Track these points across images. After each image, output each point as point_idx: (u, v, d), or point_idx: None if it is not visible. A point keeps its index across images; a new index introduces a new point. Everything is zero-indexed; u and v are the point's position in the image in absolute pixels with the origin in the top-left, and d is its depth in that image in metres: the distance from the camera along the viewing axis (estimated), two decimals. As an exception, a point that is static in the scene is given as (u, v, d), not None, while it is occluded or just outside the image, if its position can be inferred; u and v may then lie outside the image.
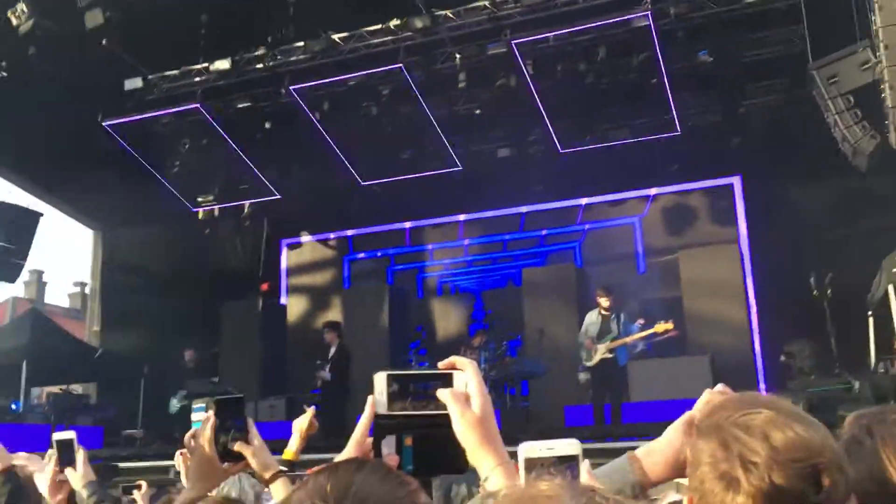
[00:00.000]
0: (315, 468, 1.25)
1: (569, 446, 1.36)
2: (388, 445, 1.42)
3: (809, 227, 12.08)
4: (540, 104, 12.08)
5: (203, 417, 2.07)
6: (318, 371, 11.78)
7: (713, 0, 10.98)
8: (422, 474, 1.34)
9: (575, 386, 11.18)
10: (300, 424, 3.20)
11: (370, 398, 1.44)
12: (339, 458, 1.47)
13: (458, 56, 11.94)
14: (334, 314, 15.18)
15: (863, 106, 9.03)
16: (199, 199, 14.32)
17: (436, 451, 1.41)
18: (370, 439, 1.45)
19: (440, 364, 1.45)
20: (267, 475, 2.04)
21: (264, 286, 15.45)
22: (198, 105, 12.68)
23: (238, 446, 2.01)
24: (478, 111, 13.25)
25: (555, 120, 12.47)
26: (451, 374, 1.43)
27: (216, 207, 14.47)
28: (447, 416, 1.38)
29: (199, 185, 14.26)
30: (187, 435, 2.07)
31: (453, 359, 1.45)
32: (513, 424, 10.73)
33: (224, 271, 15.45)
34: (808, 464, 1.23)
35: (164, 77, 12.86)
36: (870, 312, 10.10)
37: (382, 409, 1.43)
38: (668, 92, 11.74)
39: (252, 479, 3.43)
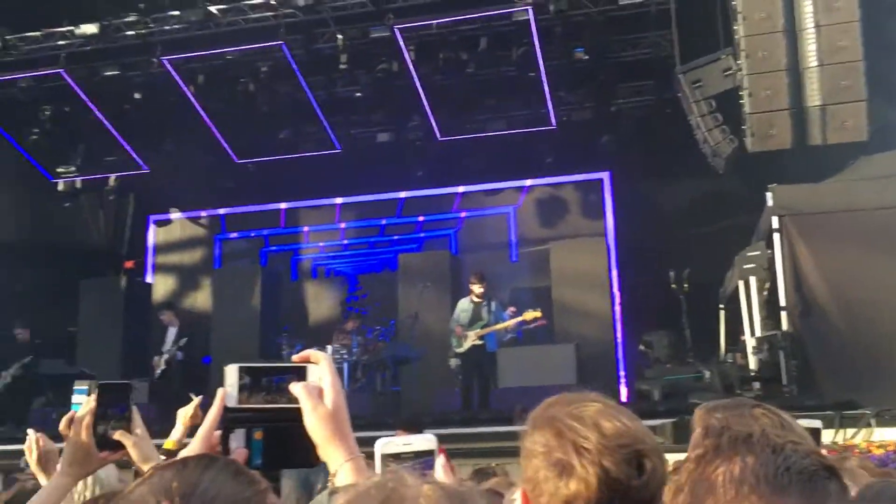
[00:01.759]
0: (160, 463, 1.20)
1: (425, 442, 1.39)
2: (237, 440, 1.39)
3: (671, 223, 12.71)
4: (421, 91, 12.13)
5: (83, 400, 1.97)
6: (155, 358, 11.44)
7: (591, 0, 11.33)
8: (271, 469, 1.33)
9: (445, 371, 11.33)
10: (184, 413, 3.12)
11: (220, 390, 1.41)
12: (185, 452, 1.42)
13: (340, 37, 11.79)
14: (203, 295, 14.74)
15: (723, 111, 9.58)
16: (60, 170, 13.55)
17: (286, 446, 1.40)
18: (218, 433, 1.41)
19: (294, 357, 1.44)
20: (145, 467, 1.97)
21: (129, 263, 14.80)
22: (61, 70, 11.97)
23: (119, 435, 1.93)
24: (358, 94, 13.15)
25: (435, 107, 12.57)
26: (304, 368, 1.41)
27: (78, 179, 13.74)
28: (299, 409, 1.37)
29: (60, 154, 13.49)
30: (64, 418, 1.97)
31: (308, 352, 1.44)
32: (383, 409, 10.78)
33: (85, 246, 14.69)
34: (632, 449, 1.36)
35: (24, 38, 12.04)
36: (721, 306, 10.76)
37: (232, 402, 1.40)
38: (545, 86, 12.05)
39: (117, 471, 3.31)
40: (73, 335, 13.30)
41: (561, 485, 1.36)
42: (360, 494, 0.85)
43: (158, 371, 11.40)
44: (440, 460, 1.35)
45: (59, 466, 2.05)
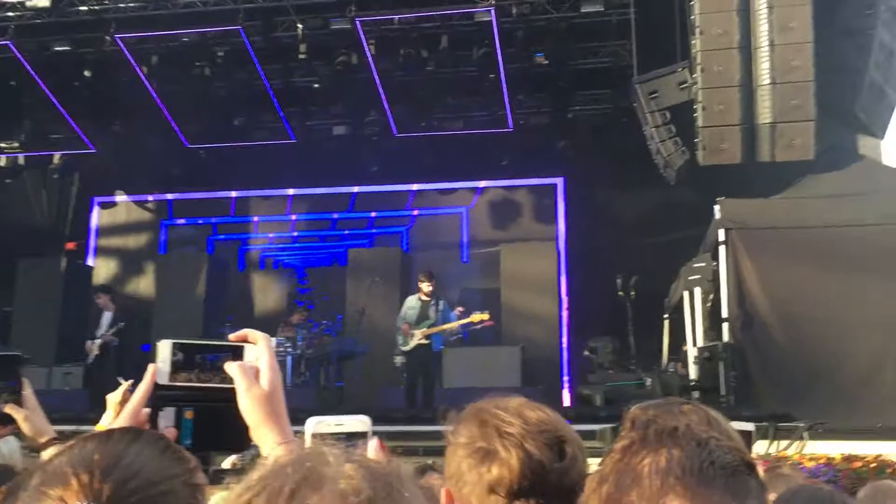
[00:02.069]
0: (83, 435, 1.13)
1: (358, 423, 1.36)
2: (167, 418, 1.33)
3: (621, 231, 12.85)
4: (379, 86, 12.06)
5: None
6: (88, 342, 11.17)
7: (553, 5, 11.38)
8: (200, 450, 1.27)
9: (390, 369, 11.28)
10: (114, 398, 3.01)
11: (150, 366, 1.35)
12: (110, 426, 1.36)
13: (300, 26, 11.65)
14: (146, 280, 14.44)
15: (677, 123, 9.71)
16: (3, 145, 13.15)
17: (217, 427, 1.34)
18: (147, 410, 1.34)
19: (231, 336, 1.38)
20: (41, 440, 1.89)
21: (70, 245, 14.41)
22: (9, 42, 11.59)
23: (9, 408, 1.85)
24: (316, 85, 13.02)
25: (393, 103, 12.51)
26: (241, 347, 1.36)
27: (21, 155, 13.34)
28: (232, 390, 1.31)
29: (3, 129, 13.09)
30: None
31: (245, 331, 1.38)
32: (326, 404, 10.68)
33: (24, 225, 14.26)
34: (554, 435, 1.42)
35: (-30, 6, 11.65)
36: (666, 315, 10.91)
37: (164, 379, 1.34)
38: (504, 89, 12.07)
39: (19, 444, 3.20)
40: (9, 315, 12.91)
41: (483, 471, 1.39)
42: (275, 471, 0.79)
43: (92, 356, 11.11)
44: (373, 442, 1.32)
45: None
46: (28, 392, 1.88)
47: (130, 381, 3.09)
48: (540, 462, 1.38)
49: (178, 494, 1.06)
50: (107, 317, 11.28)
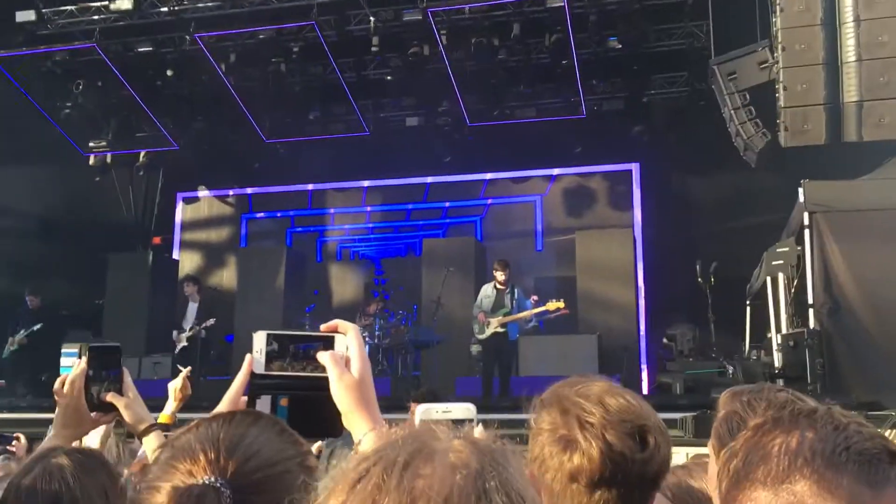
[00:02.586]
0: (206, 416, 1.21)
1: (465, 410, 1.40)
2: (263, 406, 1.38)
3: (699, 216, 12.58)
4: (451, 76, 12.07)
5: (72, 362, 1.98)
6: (174, 333, 11.52)
7: (626, -12, 11.19)
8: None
9: (467, 357, 11.32)
10: (174, 386, 3.09)
11: (248, 356, 1.41)
12: (218, 411, 1.43)
13: (372, 19, 11.76)
14: (229, 273, 14.86)
15: (758, 104, 9.44)
16: (91, 144, 13.68)
17: (311, 414, 1.39)
18: (245, 398, 1.41)
19: (322, 326, 1.43)
20: (140, 428, 1.98)
21: (156, 239, 14.94)
22: (95, 44, 12.05)
23: (110, 397, 1.94)
24: (389, 77, 13.12)
25: (465, 93, 12.51)
26: (332, 337, 1.41)
27: (109, 154, 13.87)
28: (325, 378, 1.36)
29: (91, 129, 13.62)
30: (57, 380, 1.98)
31: (336, 322, 1.43)
32: (403, 393, 10.79)
33: (113, 221, 14.83)
34: (636, 425, 1.40)
35: (59, 12, 12.14)
36: (748, 302, 10.64)
37: (259, 369, 1.40)
38: (577, 75, 11.94)
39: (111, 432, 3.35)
40: (101, 308, 13.47)
41: (565, 459, 1.39)
42: (390, 444, 0.84)
43: (179, 347, 11.48)
44: (479, 429, 1.35)
45: (51, 429, 2.07)
46: (128, 381, 1.97)
47: (189, 368, 3.19)
48: (621, 452, 1.37)
49: (293, 474, 1.14)
50: (192, 308, 11.62)
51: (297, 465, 1.16)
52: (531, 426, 1.47)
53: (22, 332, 11.46)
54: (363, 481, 0.78)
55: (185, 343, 11.42)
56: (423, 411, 1.38)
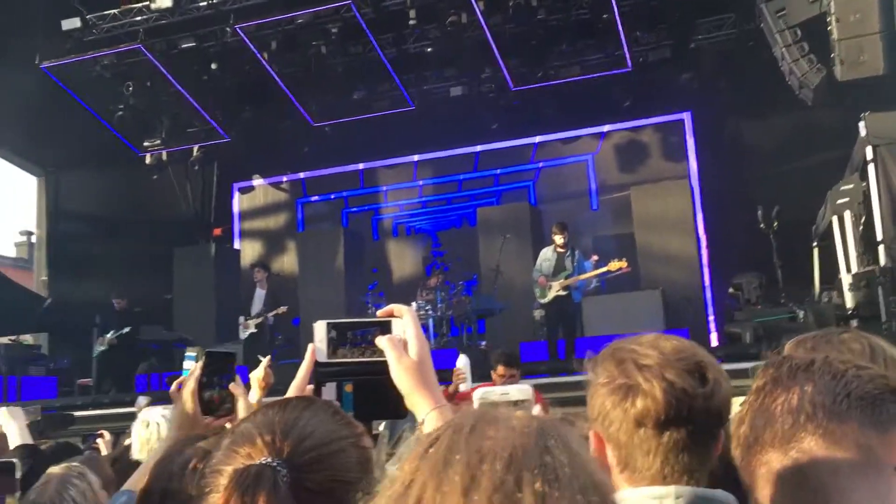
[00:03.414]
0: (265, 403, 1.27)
1: (522, 392, 1.43)
2: (329, 393, 1.44)
3: (757, 161, 12.27)
4: (492, 41, 11.96)
5: (191, 366, 2.06)
6: (241, 318, 11.74)
7: (664, -67, 10.89)
8: (362, 420, 1.36)
9: (530, 323, 11.33)
10: (257, 375, 3.17)
11: (310, 346, 1.46)
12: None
13: (408, -8, 11.71)
14: (289, 258, 15.10)
15: (810, 39, 9.14)
16: (146, 144, 13.99)
17: (375, 397, 1.43)
18: (310, 387, 1.46)
19: (378, 312, 1.47)
20: None
21: (217, 231, 15.26)
22: (139, 45, 12.28)
23: (232, 394, 2.01)
24: (429, 49, 13.06)
25: (506, 58, 12.38)
26: (389, 322, 1.45)
27: (164, 152, 14.16)
28: (385, 362, 1.40)
29: (145, 128, 13.92)
30: (174, 382, 2.06)
31: (392, 306, 1.47)
32: (471, 363, 10.86)
33: (174, 216, 15.20)
34: (693, 362, 1.39)
35: (103, 16, 12.39)
36: (815, 244, 10.38)
37: (322, 357, 1.45)
38: (619, 28, 11.69)
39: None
40: (170, 302, 13.85)
41: (628, 406, 1.38)
42: (459, 415, 0.89)
43: (247, 333, 11.73)
44: (537, 408, 1.38)
45: (166, 431, 2.15)
46: (240, 389, 2.04)
47: (269, 358, 3.26)
48: (683, 389, 1.36)
49: (348, 454, 1.19)
50: (259, 294, 11.86)
51: (350, 445, 1.21)
52: (589, 385, 1.47)
53: (112, 333, 11.84)
54: (435, 446, 0.83)
55: (253, 329, 11.67)
56: (482, 395, 1.41)
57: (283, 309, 11.47)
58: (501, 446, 0.79)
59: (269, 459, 1.14)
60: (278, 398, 1.30)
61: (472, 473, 0.77)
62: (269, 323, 11.59)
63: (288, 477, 1.12)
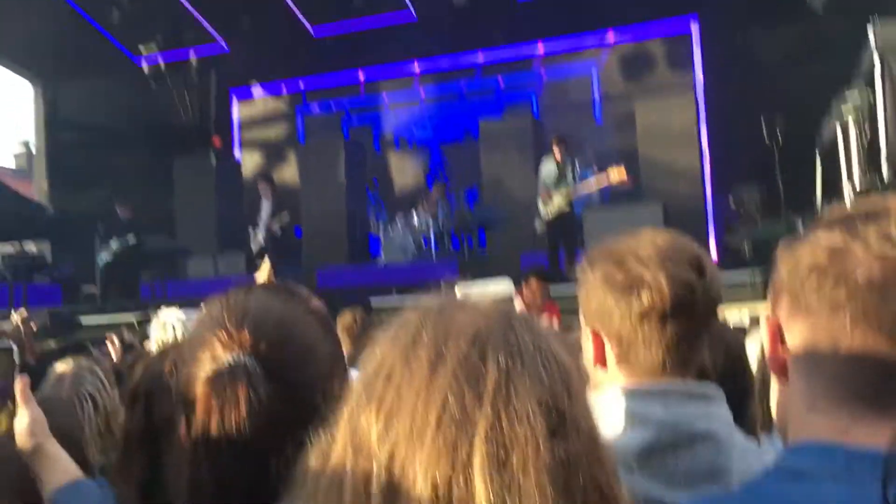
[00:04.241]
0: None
1: (502, 286, 1.44)
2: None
3: (764, 71, 12.04)
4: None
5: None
6: (250, 229, 11.74)
7: None
8: None
9: (531, 234, 11.37)
10: (261, 278, 3.21)
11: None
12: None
13: None
14: (290, 169, 15.01)
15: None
16: (141, 47, 13.72)
17: None
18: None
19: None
20: None
21: (216, 140, 15.12)
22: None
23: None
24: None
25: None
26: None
27: (162, 63, 13.91)
28: None
29: (140, 33, 13.64)
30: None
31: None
32: (472, 272, 10.96)
33: (174, 126, 15.03)
34: (690, 254, 1.41)
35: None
36: (818, 155, 10.29)
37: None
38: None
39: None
40: (172, 212, 13.87)
41: (633, 299, 1.37)
42: (427, 302, 0.89)
43: (256, 245, 11.72)
44: (518, 303, 1.40)
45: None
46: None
47: (267, 259, 3.31)
48: (685, 281, 1.37)
49: (310, 326, 1.18)
50: (266, 206, 11.83)
51: (312, 319, 1.20)
52: (583, 284, 1.46)
53: (116, 241, 11.67)
54: (404, 328, 0.85)
55: (262, 243, 11.63)
56: (462, 289, 1.43)
57: (285, 215, 11.42)
58: (467, 325, 0.82)
59: (234, 357, 1.09)
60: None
61: (437, 349, 0.80)
62: (277, 235, 11.55)
63: (259, 367, 1.08)
